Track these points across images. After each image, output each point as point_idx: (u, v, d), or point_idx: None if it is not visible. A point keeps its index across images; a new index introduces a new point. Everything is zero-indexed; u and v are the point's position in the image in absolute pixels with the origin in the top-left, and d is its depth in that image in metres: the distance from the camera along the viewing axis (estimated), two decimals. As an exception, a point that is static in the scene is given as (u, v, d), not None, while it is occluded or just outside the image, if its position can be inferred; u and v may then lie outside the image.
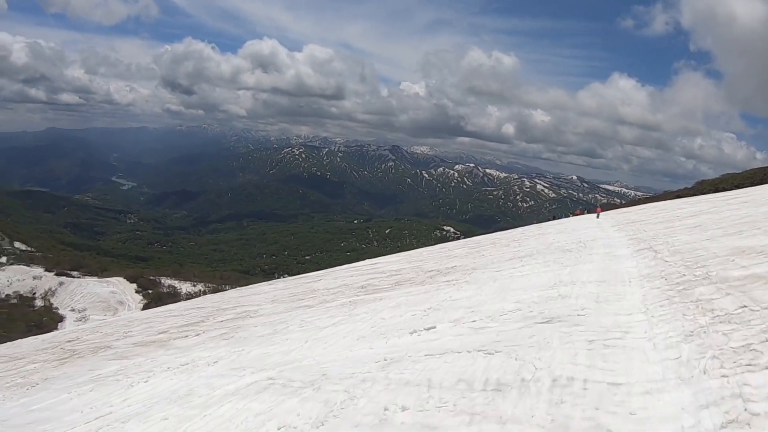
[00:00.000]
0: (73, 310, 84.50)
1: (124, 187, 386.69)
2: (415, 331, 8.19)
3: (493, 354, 6.07)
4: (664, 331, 5.92)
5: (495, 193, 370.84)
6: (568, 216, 56.92)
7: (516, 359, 5.73)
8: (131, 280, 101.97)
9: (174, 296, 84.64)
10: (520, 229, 37.85)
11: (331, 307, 14.08)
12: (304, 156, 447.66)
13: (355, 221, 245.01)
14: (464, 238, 60.23)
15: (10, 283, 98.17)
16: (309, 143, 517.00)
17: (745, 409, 3.72)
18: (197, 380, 8.41)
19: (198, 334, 14.47)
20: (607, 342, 5.86)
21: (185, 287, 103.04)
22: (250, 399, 6.50)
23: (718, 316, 5.94)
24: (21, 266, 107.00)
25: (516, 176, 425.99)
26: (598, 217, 35.96)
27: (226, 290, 42.86)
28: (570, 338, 6.19)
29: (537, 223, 51.17)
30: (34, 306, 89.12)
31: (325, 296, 16.78)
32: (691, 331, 5.62)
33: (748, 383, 4.04)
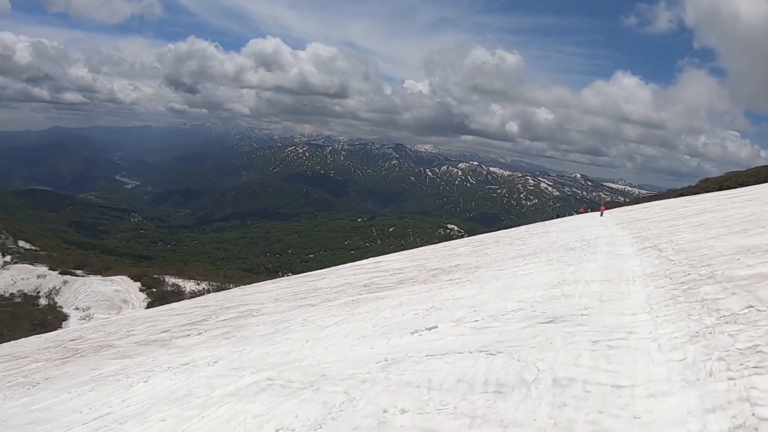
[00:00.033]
0: (77, 308, 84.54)
1: (128, 186, 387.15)
2: (417, 331, 8.11)
3: (495, 355, 5.98)
4: (669, 331, 5.81)
5: (499, 191, 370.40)
6: (572, 214, 56.79)
7: (518, 360, 5.64)
8: (135, 278, 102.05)
9: (178, 295, 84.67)
10: (523, 228, 37.75)
11: (333, 306, 14.01)
12: (307, 154, 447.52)
13: (359, 219, 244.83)
14: (468, 236, 60.10)
15: (15, 282, 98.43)
16: (313, 142, 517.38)
17: (753, 414, 3.61)
18: (197, 380, 8.34)
19: (200, 333, 14.42)
20: (610, 343, 5.76)
21: (189, 286, 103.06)
22: (248, 400, 6.43)
23: (724, 316, 5.83)
24: (25, 265, 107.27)
25: (520, 174, 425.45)
26: (601, 215, 35.82)
27: (230, 289, 42.74)
28: (573, 339, 6.09)
29: (541, 221, 51.01)
30: (38, 305, 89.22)
31: (328, 295, 16.71)
32: (697, 332, 5.51)
33: (756, 386, 3.93)
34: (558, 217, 56.00)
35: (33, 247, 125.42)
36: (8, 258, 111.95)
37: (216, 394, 7.06)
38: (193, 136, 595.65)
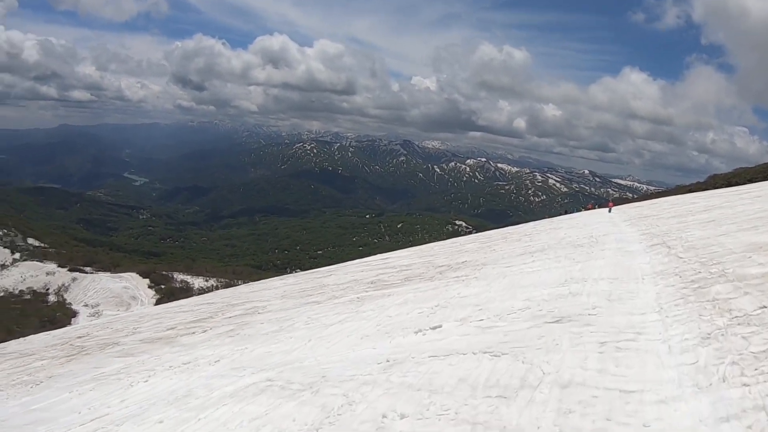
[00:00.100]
0: (86, 305, 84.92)
1: (137, 183, 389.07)
2: (421, 330, 7.96)
3: (499, 356, 5.81)
4: (679, 332, 5.62)
5: (507, 187, 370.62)
6: (580, 210, 56.64)
7: (523, 362, 5.46)
8: (144, 275, 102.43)
9: (186, 291, 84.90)
10: (531, 224, 37.64)
11: (338, 303, 13.88)
12: (315, 151, 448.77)
13: (367, 216, 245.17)
14: (476, 232, 59.98)
15: (24, 279, 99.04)
16: (320, 138, 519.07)
17: (770, 424, 3.44)
18: (197, 380, 8.22)
19: (205, 331, 14.31)
20: (619, 344, 5.57)
21: (198, 282, 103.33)
22: (247, 402, 6.29)
23: (736, 317, 5.64)
24: (34, 262, 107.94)
25: (528, 171, 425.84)
26: (610, 211, 35.72)
27: (238, 285, 42.79)
28: (580, 340, 5.91)
29: (549, 217, 50.83)
30: (47, 302, 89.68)
31: (334, 292, 16.60)
32: (708, 334, 5.32)
33: (772, 394, 3.75)
34: (566, 213, 55.85)
35: (42, 245, 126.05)
36: (17, 255, 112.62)
37: (215, 395, 6.93)
38: (201, 133, 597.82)
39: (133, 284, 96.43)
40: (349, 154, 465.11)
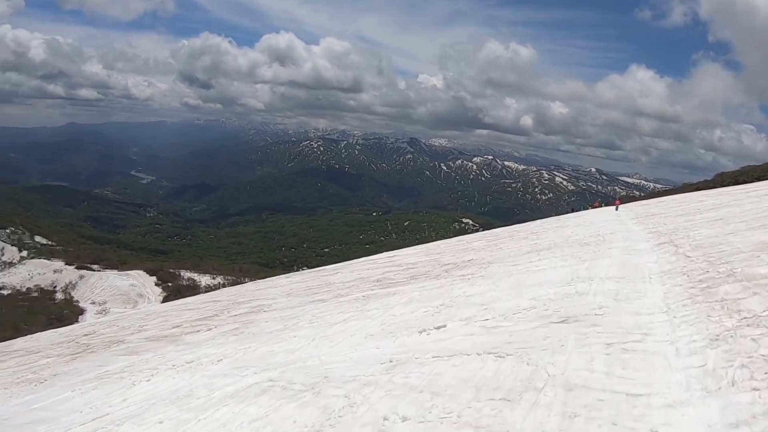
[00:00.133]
0: (93, 303, 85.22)
1: (144, 181, 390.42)
2: (425, 330, 7.88)
3: (504, 357, 5.72)
4: (687, 333, 5.51)
5: (513, 185, 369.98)
6: (587, 208, 56.48)
7: (528, 364, 5.36)
8: (151, 273, 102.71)
9: (193, 289, 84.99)
10: (538, 222, 37.49)
11: (343, 302, 13.82)
12: (322, 149, 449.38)
13: (374, 214, 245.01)
14: (483, 230, 59.85)
15: (31, 277, 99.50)
16: (327, 136, 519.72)
17: (781, 432, 3.34)
18: (199, 380, 8.17)
19: (210, 329, 14.27)
20: (626, 345, 5.46)
21: (205, 280, 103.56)
22: (248, 402, 6.22)
23: (745, 318, 5.53)
24: (42, 260, 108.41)
25: (534, 168, 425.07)
26: (617, 209, 35.58)
27: (245, 283, 42.83)
28: (587, 340, 5.81)
29: (555, 215, 50.69)
30: (54, 299, 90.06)
31: (340, 290, 16.55)
32: (717, 335, 5.20)
33: (783, 399, 3.66)
34: (573, 211, 55.63)
35: (49, 242, 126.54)
36: (25, 253, 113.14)
37: (216, 395, 6.87)
38: (208, 131, 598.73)
39: (141, 282, 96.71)
40: (356, 152, 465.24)
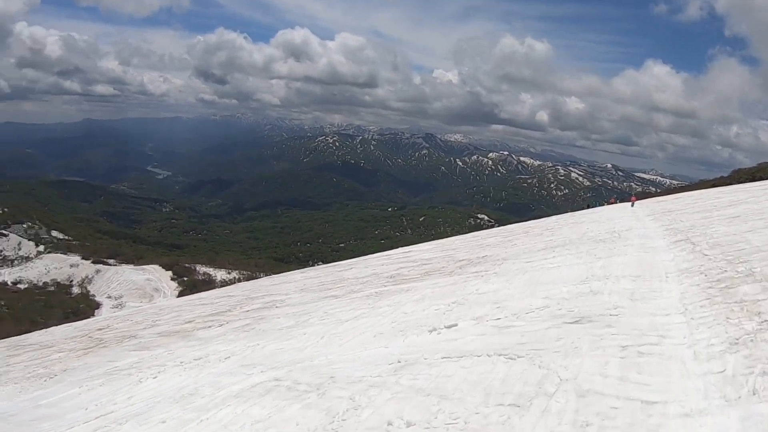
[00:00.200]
0: (109, 297, 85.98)
1: (160, 177, 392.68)
2: (435, 329, 7.74)
3: (515, 359, 5.55)
4: (705, 337, 5.31)
5: (529, 181, 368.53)
6: (603, 204, 56.12)
7: (540, 367, 5.19)
8: (167, 267, 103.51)
9: (209, 283, 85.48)
10: (553, 218, 37.25)
11: (356, 298, 13.72)
12: (337, 144, 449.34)
13: (390, 209, 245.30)
14: (498, 226, 59.62)
15: (48, 271, 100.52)
16: (343, 131, 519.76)
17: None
18: (206, 377, 8.09)
19: (221, 325, 14.24)
20: (641, 348, 5.27)
21: (220, 275, 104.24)
22: (252, 403, 6.11)
23: (766, 321, 5.33)
24: (58, 254, 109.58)
25: (550, 164, 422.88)
26: (632, 205, 35.24)
27: (260, 278, 42.91)
28: (601, 342, 5.62)
29: (571, 211, 50.36)
30: (71, 293, 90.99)
31: (353, 286, 16.45)
32: (737, 339, 5.01)
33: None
34: (588, 207, 55.29)
35: (66, 237, 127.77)
36: (42, 248, 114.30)
37: (221, 394, 6.78)
38: (224, 126, 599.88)
39: (156, 276, 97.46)
40: (372, 147, 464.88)
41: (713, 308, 6.22)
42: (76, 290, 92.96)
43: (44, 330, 22.76)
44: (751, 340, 4.88)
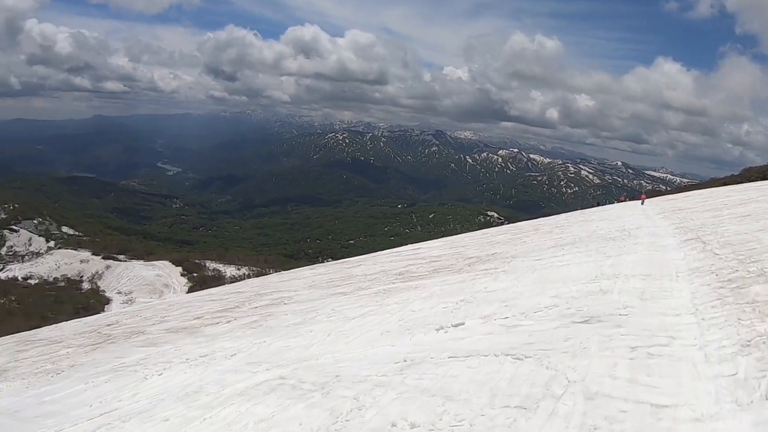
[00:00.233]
0: (119, 292, 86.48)
1: (170, 173, 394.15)
2: (443, 328, 7.67)
3: (522, 360, 5.48)
4: (716, 338, 5.21)
5: (539, 178, 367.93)
6: (613, 202, 55.90)
7: (547, 367, 5.11)
8: (177, 263, 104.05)
9: (218, 279, 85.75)
10: (563, 216, 37.12)
11: (364, 295, 13.66)
12: (347, 141, 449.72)
13: (399, 206, 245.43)
14: (508, 223, 59.47)
15: (58, 267, 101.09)
16: (352, 128, 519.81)
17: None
18: (211, 375, 8.05)
19: (229, 321, 14.20)
20: (651, 350, 5.18)
21: (230, 271, 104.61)
22: (256, 401, 6.07)
23: (778, 323, 5.25)
24: (69, 250, 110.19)
25: (560, 162, 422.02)
26: (642, 203, 35.07)
27: (270, 274, 42.98)
28: (610, 343, 5.54)
29: (581, 209, 50.18)
30: (81, 289, 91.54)
31: (362, 283, 16.40)
32: (749, 341, 4.91)
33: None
34: (598, 205, 55.06)
35: (76, 233, 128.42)
36: (52, 243, 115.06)
37: (226, 392, 6.74)
38: (234, 123, 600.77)
39: (166, 272, 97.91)
40: (381, 144, 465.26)
41: (724, 309, 6.12)
42: (86, 286, 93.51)
43: (54, 325, 22.78)
44: (764, 343, 4.78)
